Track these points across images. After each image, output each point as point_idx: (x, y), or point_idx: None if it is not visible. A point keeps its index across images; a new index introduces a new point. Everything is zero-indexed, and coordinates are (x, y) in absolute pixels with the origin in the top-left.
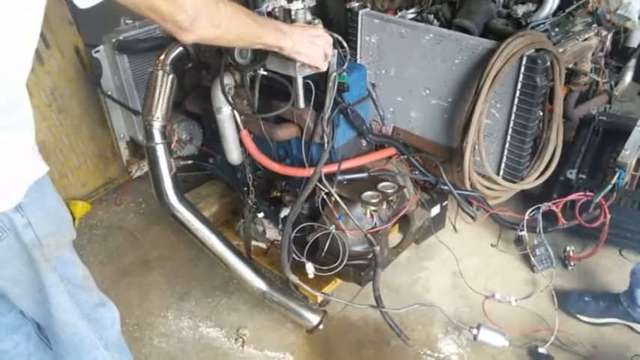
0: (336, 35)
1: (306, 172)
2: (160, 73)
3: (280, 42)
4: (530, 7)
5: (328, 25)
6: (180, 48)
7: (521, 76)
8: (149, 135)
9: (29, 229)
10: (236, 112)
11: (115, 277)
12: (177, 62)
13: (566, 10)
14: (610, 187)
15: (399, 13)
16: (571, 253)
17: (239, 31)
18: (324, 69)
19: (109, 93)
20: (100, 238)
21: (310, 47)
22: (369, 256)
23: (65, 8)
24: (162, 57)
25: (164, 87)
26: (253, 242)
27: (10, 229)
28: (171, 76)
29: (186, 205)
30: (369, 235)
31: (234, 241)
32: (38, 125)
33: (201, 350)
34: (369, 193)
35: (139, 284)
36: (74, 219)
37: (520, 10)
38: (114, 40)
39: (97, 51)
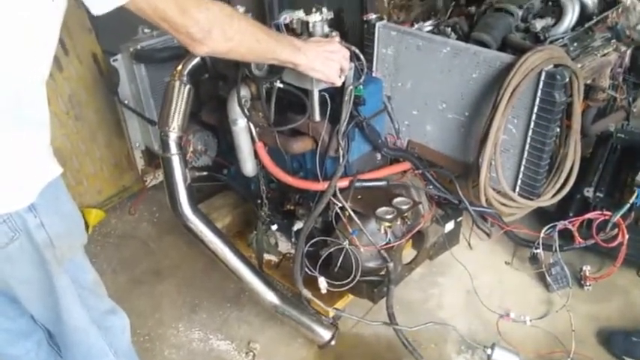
0: (353, 48)
1: (321, 185)
2: (177, 83)
3: (295, 58)
4: (549, 21)
5: (344, 37)
6: (198, 59)
7: (539, 92)
8: (165, 145)
9: (42, 230)
10: (251, 124)
11: (128, 287)
12: (194, 73)
13: (586, 25)
14: (628, 206)
15: (416, 26)
16: (587, 273)
17: (252, 45)
18: (340, 84)
19: (126, 102)
20: (113, 247)
21: (325, 63)
22: (383, 273)
23: (84, 15)
24: (180, 67)
25: (181, 98)
26: (265, 255)
27: (22, 230)
28: (188, 87)
29: (200, 217)
30: (382, 252)
31: (247, 253)
32: (55, 132)
33: None
34: (383, 208)
35: (151, 294)
36: (88, 227)
37: (539, 24)
38: (131, 49)
39: (115, 59)
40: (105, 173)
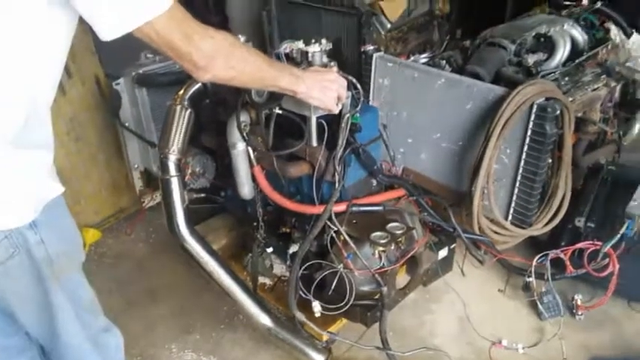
0: (350, 77)
1: (316, 209)
2: (179, 108)
3: (294, 86)
4: (541, 56)
5: (342, 67)
6: (199, 84)
7: (531, 124)
8: (164, 167)
9: (42, 247)
10: (250, 148)
11: (122, 306)
12: (195, 98)
13: (577, 61)
14: (618, 236)
15: (412, 58)
16: (579, 302)
17: (253, 73)
18: (336, 112)
19: (127, 124)
20: (108, 266)
21: (323, 91)
22: (376, 297)
23: (89, 38)
24: (181, 92)
25: (182, 121)
26: (260, 277)
27: (22, 246)
28: (188, 111)
29: (196, 238)
30: (376, 276)
31: (241, 275)
32: (56, 152)
33: None
34: (377, 233)
35: (144, 314)
36: (84, 245)
37: (531, 59)
38: (134, 73)
39: (118, 83)
40: (103, 194)
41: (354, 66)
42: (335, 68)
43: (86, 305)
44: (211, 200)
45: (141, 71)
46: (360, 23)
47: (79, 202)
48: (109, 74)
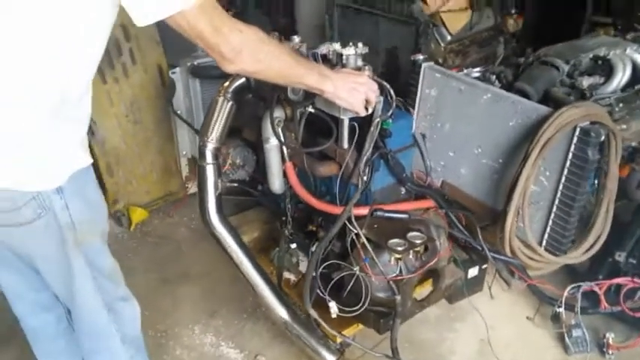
0: (384, 83)
1: (338, 209)
2: (221, 99)
3: (321, 85)
4: (598, 79)
5: (396, 75)
6: (243, 79)
7: (572, 147)
8: (202, 155)
9: (66, 212)
10: (282, 144)
11: (156, 284)
12: (239, 92)
13: (636, 87)
14: None
15: (465, 71)
16: (610, 341)
17: (280, 69)
18: (363, 114)
19: (179, 112)
20: (150, 245)
21: (351, 93)
22: (391, 305)
23: (154, 28)
24: (226, 85)
25: (222, 112)
26: (285, 273)
27: (49, 209)
28: (230, 103)
29: (226, 226)
30: (391, 283)
31: (268, 269)
32: (114, 132)
33: None
34: (395, 240)
35: (175, 294)
36: (131, 223)
37: (586, 81)
38: (189, 64)
39: (174, 72)
40: (154, 176)
41: (407, 75)
42: (368, 72)
43: (107, 273)
44: (247, 192)
45: (196, 62)
46: (417, 33)
47: (131, 182)
48: (171, 64)
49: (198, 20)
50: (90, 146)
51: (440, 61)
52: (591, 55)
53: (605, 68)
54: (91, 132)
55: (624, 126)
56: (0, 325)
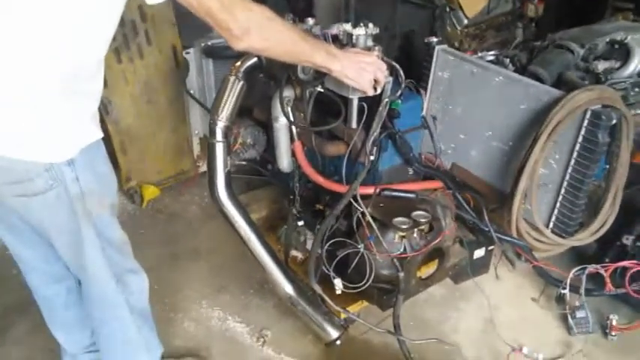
0: (393, 63)
1: (345, 188)
2: (232, 78)
3: (328, 64)
4: (614, 64)
5: (413, 58)
6: (255, 59)
7: (583, 130)
8: (212, 132)
9: (76, 184)
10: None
11: (167, 259)
12: (251, 72)
13: None
14: None
15: (479, 54)
16: (614, 322)
17: (287, 47)
18: (371, 94)
19: (192, 91)
20: (162, 222)
21: (359, 72)
22: (395, 282)
23: (170, 9)
24: (238, 64)
25: (233, 91)
26: (293, 251)
27: (60, 181)
28: (241, 83)
29: (234, 203)
30: (395, 260)
31: (276, 247)
32: (128, 111)
33: (223, 341)
34: (400, 218)
35: (185, 270)
36: (143, 200)
37: (601, 65)
38: (203, 44)
39: (188, 52)
40: (167, 155)
41: (424, 58)
42: (377, 52)
43: (116, 245)
44: (257, 172)
45: (210, 43)
46: (433, 16)
47: (144, 160)
48: (186, 45)
49: None
50: (104, 124)
51: (456, 44)
52: (608, 40)
53: (622, 52)
54: (105, 111)
55: (639, 110)
56: (16, 296)
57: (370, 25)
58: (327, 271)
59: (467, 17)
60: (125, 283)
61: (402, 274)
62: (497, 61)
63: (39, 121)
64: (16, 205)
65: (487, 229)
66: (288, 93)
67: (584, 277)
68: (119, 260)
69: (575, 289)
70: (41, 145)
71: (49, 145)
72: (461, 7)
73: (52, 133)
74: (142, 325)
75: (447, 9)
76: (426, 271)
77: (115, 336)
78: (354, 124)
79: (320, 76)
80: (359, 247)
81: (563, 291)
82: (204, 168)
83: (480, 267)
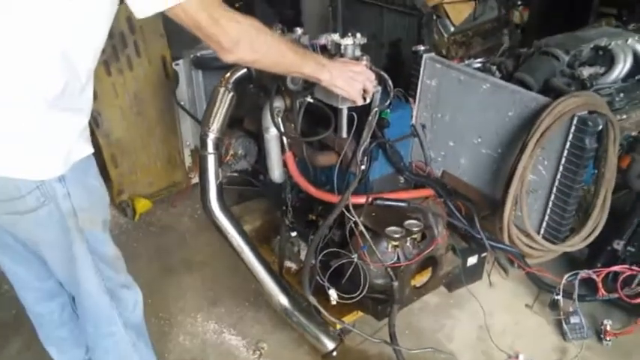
0: (382, 73)
1: (337, 198)
2: (222, 89)
3: (317, 74)
4: (598, 69)
5: (400, 66)
6: (244, 70)
7: (570, 136)
8: (203, 144)
9: (67, 200)
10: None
11: (159, 273)
12: (241, 82)
13: (637, 77)
14: None
15: (466, 62)
16: (608, 327)
17: (277, 59)
18: (360, 103)
19: (182, 103)
20: (154, 235)
21: (348, 82)
22: (389, 291)
23: (159, 21)
24: (227, 75)
25: (223, 103)
26: (287, 262)
27: (51, 197)
28: (231, 94)
29: (226, 214)
30: (389, 270)
31: (270, 258)
32: (118, 123)
33: (219, 354)
34: (393, 228)
35: (178, 283)
36: (135, 213)
37: (586, 71)
38: (192, 55)
39: (177, 64)
40: (158, 167)
41: (410, 67)
42: (365, 62)
43: (109, 261)
44: (249, 182)
45: (199, 54)
46: (420, 24)
47: (135, 173)
48: (175, 56)
49: (196, 11)
50: (95, 137)
51: (443, 52)
52: (592, 46)
53: (606, 58)
54: (95, 123)
55: (624, 116)
56: (8, 314)
57: (358, 35)
58: (321, 282)
59: (453, 25)
60: (119, 298)
61: (396, 284)
62: (484, 69)
63: (29, 139)
64: (7, 223)
65: (479, 236)
66: (279, 104)
67: (576, 283)
68: (112, 275)
69: (568, 295)
70: (31, 162)
71: (40, 162)
72: (447, 15)
73: (42, 150)
74: (136, 340)
75: (434, 16)
76: (420, 279)
77: (109, 352)
78: (344, 134)
79: (309, 86)
80: (352, 257)
81: (556, 297)
82: (196, 180)
83: (473, 274)
